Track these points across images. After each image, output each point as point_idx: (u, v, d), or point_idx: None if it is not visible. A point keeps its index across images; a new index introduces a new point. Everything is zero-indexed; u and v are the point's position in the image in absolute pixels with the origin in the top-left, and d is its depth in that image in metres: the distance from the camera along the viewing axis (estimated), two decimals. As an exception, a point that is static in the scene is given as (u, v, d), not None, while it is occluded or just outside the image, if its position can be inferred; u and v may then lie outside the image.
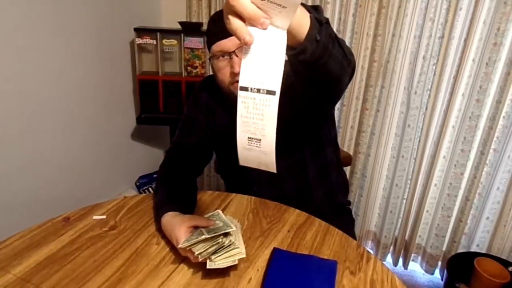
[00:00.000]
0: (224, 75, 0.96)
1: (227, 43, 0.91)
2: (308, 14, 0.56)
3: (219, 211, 0.88)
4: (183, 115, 1.14)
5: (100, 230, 0.90)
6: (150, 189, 2.13)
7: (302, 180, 1.11)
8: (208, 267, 0.74)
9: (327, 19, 0.62)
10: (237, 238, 0.79)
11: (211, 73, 2.03)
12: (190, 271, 0.78)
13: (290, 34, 0.51)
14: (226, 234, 0.77)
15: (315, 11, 0.59)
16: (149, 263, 0.80)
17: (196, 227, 0.81)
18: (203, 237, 0.75)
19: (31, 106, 1.43)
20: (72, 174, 1.67)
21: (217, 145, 1.15)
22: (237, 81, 0.82)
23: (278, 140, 0.52)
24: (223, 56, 0.94)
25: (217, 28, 0.92)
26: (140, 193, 2.10)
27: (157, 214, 0.93)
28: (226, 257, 0.75)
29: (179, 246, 0.77)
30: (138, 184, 2.13)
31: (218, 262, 0.74)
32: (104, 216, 0.95)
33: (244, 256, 0.76)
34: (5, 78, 1.31)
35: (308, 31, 0.55)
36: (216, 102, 1.11)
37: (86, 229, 0.90)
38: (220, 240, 0.75)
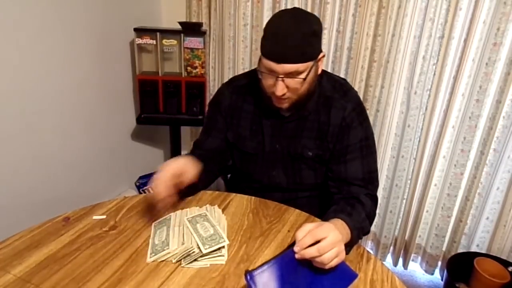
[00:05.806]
0: (268, 86, 0.95)
1: (277, 67, 0.89)
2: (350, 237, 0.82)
3: (207, 212, 0.92)
4: (205, 117, 1.18)
5: (100, 230, 0.90)
6: (150, 189, 2.13)
7: (317, 188, 1.13)
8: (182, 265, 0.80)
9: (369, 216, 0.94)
10: (216, 232, 0.84)
11: (211, 73, 2.05)
12: (190, 271, 0.78)
13: None
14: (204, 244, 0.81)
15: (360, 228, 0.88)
16: (149, 263, 0.80)
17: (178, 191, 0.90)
18: (195, 252, 0.80)
19: (31, 106, 1.43)
20: (72, 174, 1.67)
21: (235, 145, 1.13)
22: (276, 97, 0.95)
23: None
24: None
25: (274, 46, 0.89)
26: (140, 193, 2.10)
27: None
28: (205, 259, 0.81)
29: (151, 259, 0.81)
30: (138, 184, 2.13)
31: (191, 265, 0.80)
32: (104, 216, 0.95)
33: (224, 262, 0.81)
34: (5, 78, 1.31)
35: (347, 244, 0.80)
36: (242, 104, 1.10)
37: (86, 229, 0.90)
38: (196, 251, 0.80)
